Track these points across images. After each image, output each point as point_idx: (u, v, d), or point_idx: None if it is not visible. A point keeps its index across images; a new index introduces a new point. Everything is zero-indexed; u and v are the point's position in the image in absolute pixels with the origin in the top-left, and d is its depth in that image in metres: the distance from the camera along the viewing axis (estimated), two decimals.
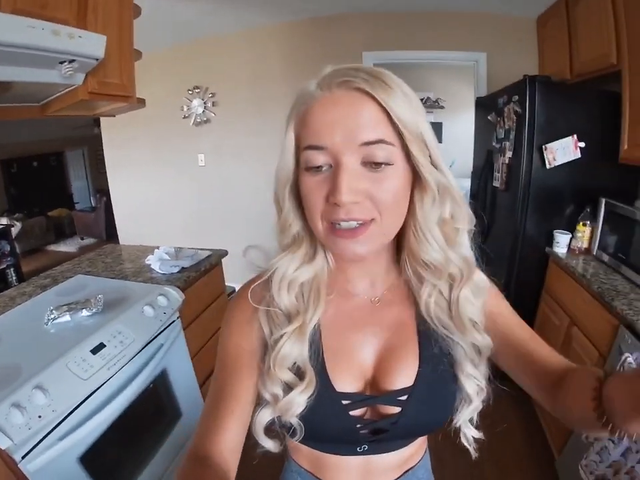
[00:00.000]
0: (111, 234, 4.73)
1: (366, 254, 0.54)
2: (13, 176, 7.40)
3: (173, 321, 1.73)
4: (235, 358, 0.61)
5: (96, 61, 1.46)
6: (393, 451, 0.67)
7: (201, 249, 2.28)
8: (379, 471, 0.68)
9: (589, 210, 2.14)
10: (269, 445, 0.64)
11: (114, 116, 2.33)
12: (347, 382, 0.61)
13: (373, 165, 0.50)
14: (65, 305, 1.50)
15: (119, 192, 4.46)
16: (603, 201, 2.03)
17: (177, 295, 1.73)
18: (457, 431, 0.69)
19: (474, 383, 0.62)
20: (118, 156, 4.29)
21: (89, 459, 1.27)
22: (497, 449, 2.03)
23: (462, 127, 4.36)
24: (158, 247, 2.16)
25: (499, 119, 2.53)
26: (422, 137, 0.51)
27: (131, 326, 1.46)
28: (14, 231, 6.35)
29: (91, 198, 8.63)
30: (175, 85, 3.79)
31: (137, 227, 4.43)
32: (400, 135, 0.50)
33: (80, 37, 1.33)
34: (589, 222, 2.13)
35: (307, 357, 0.59)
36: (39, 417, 1.09)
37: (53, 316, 1.46)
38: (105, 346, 1.33)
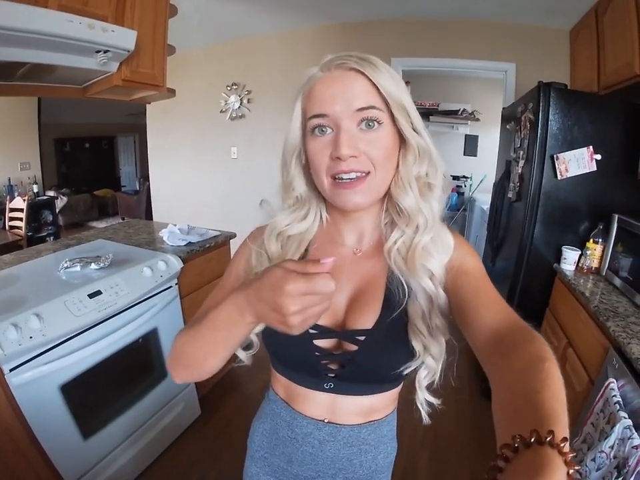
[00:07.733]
0: (150, 217, 5.06)
1: (363, 203, 0.65)
2: (65, 154, 7.95)
3: (170, 286, 1.92)
4: (233, 282, 0.76)
5: (127, 52, 1.70)
6: (357, 395, 0.75)
7: (212, 229, 2.45)
8: (344, 412, 0.76)
9: (602, 227, 1.96)
10: (242, 355, 0.79)
11: (149, 102, 2.59)
12: None
13: (367, 122, 0.61)
14: (78, 258, 1.73)
15: (157, 176, 4.78)
16: (616, 217, 1.85)
17: (176, 263, 1.92)
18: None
19: (419, 339, 0.67)
20: (159, 142, 4.62)
21: (69, 389, 1.45)
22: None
23: (496, 140, 4.23)
24: (175, 224, 2.38)
25: (516, 127, 2.43)
26: (404, 106, 0.63)
27: (128, 281, 1.67)
28: (59, 204, 6.81)
29: (137, 182, 9.07)
30: (215, 80, 4.04)
31: (170, 210, 4.70)
32: (386, 103, 0.62)
33: (113, 31, 1.57)
34: (600, 239, 1.95)
35: None
36: (30, 337, 1.29)
37: (66, 265, 1.69)
38: (101, 293, 1.54)
